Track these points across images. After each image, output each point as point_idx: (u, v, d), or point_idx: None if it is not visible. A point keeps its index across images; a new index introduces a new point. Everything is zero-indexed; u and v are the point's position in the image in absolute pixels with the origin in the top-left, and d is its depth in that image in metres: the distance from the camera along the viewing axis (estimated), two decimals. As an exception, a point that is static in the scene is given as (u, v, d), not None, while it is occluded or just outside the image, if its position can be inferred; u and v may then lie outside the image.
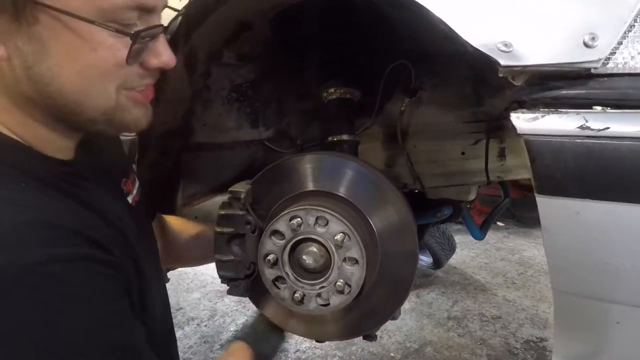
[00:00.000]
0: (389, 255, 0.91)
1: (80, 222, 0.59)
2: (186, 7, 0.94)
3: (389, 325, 2.82)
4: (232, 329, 3.00)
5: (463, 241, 4.05)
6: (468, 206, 1.49)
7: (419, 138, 1.37)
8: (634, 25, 0.58)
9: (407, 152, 1.33)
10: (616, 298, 0.62)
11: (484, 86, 1.20)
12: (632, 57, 0.58)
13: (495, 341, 2.80)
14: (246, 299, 1.03)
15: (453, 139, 1.35)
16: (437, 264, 3.62)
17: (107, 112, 0.63)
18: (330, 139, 1.16)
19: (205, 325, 3.06)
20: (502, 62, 0.59)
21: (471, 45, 0.59)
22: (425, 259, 3.67)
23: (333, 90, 1.17)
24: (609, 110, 0.59)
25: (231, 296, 1.01)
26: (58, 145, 0.67)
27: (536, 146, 0.60)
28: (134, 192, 0.89)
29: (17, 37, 0.55)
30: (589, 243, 0.61)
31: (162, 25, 0.63)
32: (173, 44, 1.02)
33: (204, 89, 1.22)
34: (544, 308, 3.13)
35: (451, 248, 3.55)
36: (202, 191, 1.40)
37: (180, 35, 1.02)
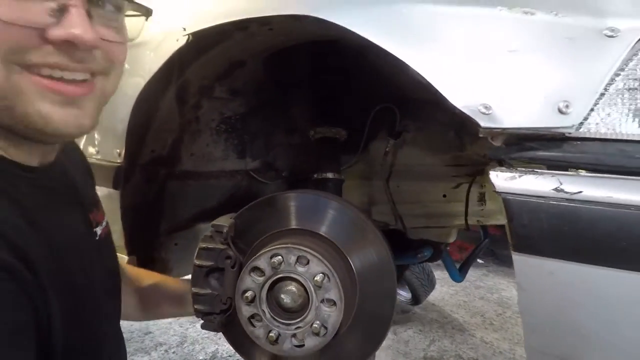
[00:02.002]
0: (368, 296, 0.92)
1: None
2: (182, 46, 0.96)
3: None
4: (200, 358, 2.88)
5: (442, 277, 3.98)
6: (447, 247, 1.51)
7: (402, 178, 1.40)
8: (604, 94, 0.62)
9: (389, 191, 1.35)
10: (586, 361, 0.63)
11: (465, 132, 1.24)
12: (603, 124, 0.62)
13: (471, 386, 2.73)
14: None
15: (435, 181, 1.39)
16: (416, 300, 3.55)
17: (2, 95, 0.53)
18: (316, 176, 1.18)
19: (174, 352, 2.91)
20: (482, 124, 0.62)
21: (453, 106, 0.62)
22: (404, 294, 3.60)
23: (321, 129, 1.19)
24: (582, 173, 0.62)
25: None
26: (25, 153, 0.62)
27: (514, 205, 0.62)
28: (103, 224, 0.85)
29: None
30: (561, 303, 0.63)
31: None
32: (167, 76, 1.06)
33: (193, 120, 1.24)
34: (522, 352, 3.04)
35: (431, 284, 3.51)
36: (186, 219, 1.40)
37: (174, 68, 1.04)
